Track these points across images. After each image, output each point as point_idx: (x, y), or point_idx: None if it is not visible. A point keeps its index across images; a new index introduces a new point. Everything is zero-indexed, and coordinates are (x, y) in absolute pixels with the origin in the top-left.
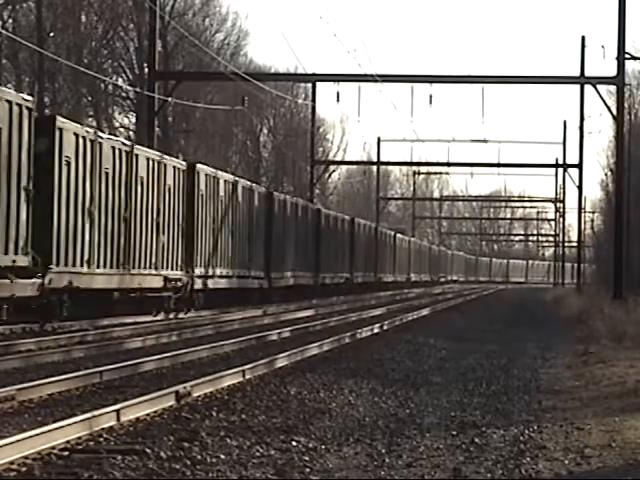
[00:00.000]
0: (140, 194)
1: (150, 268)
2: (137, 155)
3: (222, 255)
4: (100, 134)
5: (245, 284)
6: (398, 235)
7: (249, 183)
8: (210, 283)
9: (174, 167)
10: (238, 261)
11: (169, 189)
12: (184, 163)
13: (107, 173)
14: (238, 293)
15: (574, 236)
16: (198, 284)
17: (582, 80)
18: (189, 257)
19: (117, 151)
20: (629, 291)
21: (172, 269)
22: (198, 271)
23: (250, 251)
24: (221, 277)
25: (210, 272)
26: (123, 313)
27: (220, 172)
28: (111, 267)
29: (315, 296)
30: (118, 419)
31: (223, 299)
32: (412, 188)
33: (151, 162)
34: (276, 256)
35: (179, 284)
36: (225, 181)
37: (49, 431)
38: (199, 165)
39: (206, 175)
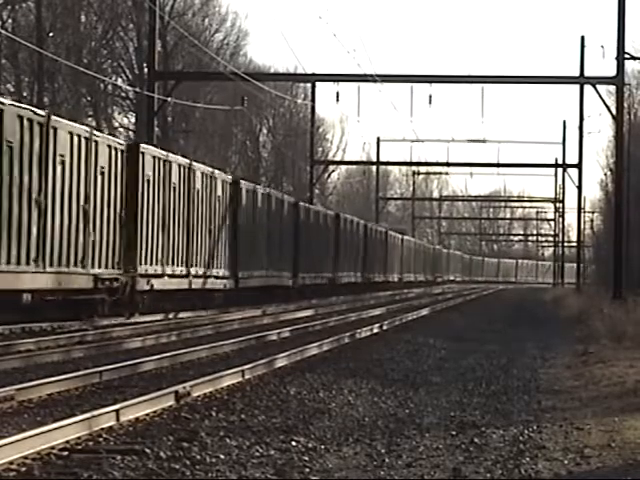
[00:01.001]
0: (60, 176)
1: (75, 265)
2: (55, 128)
3: (174, 251)
4: (0, 99)
5: (204, 284)
6: (390, 232)
7: (210, 169)
8: (157, 283)
9: (109, 146)
10: (195, 258)
11: (102, 172)
12: (123, 142)
13: (11, 148)
14: (197, 294)
15: (574, 236)
16: (142, 285)
17: (582, 80)
18: (130, 253)
19: (26, 122)
20: (629, 291)
21: (106, 267)
22: (142, 269)
23: (210, 247)
24: (173, 276)
25: (158, 270)
26: (38, 320)
27: (172, 155)
28: (18, 263)
29: (292, 298)
30: (118, 419)
31: (178, 302)
32: (412, 188)
33: (76, 138)
34: (244, 253)
35: (115, 285)
36: (179, 165)
37: (48, 431)
38: (144, 145)
39: (154, 157)
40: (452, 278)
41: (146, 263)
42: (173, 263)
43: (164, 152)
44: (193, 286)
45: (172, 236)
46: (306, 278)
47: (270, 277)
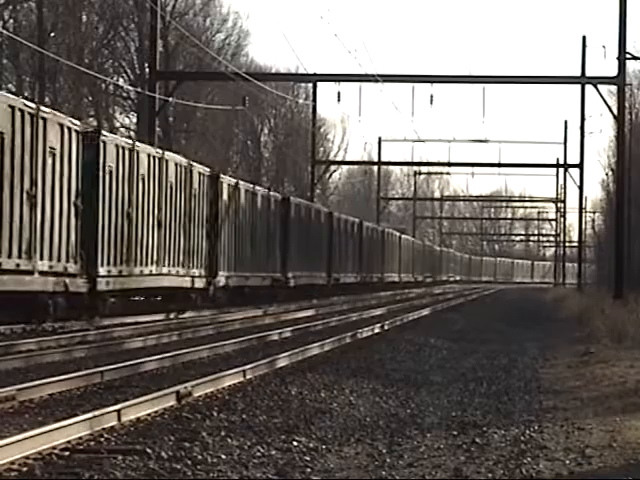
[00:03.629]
0: None
1: None
2: None
3: None
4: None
5: (27, 284)
6: (366, 224)
7: (62, 117)
8: None
9: None
10: (17, 245)
11: None
12: None
13: None
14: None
15: (575, 236)
16: None
17: (583, 80)
18: None
19: None
20: (630, 291)
21: None
22: None
23: (52, 227)
24: None
25: None
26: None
27: None
28: None
29: (196, 307)
30: (119, 419)
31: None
32: (413, 188)
33: None
34: (109, 241)
35: None
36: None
37: (50, 431)
38: None
39: None
40: (445, 278)
41: None
42: None
43: None
44: (10, 287)
45: None
46: (232, 278)
47: (168, 275)
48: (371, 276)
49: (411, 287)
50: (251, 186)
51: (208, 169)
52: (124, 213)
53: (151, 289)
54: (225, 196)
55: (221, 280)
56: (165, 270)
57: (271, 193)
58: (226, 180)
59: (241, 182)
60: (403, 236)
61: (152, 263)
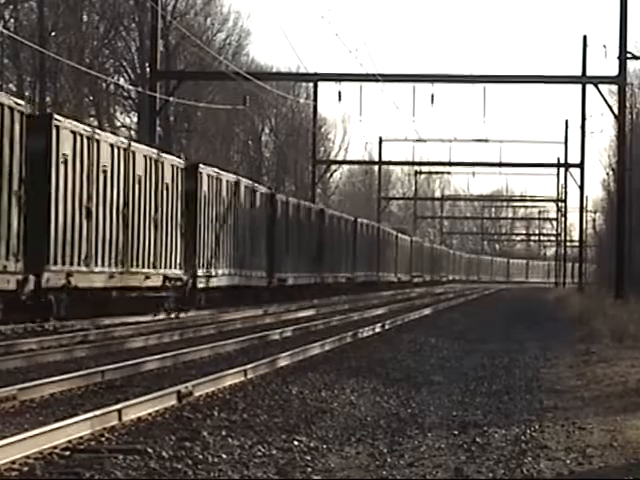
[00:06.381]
0: None
1: None
2: None
3: None
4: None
5: None
6: (329, 212)
7: None
8: None
9: None
10: None
11: None
12: None
13: None
14: None
15: (576, 236)
16: None
17: (584, 80)
18: None
19: None
20: (631, 291)
21: None
22: None
23: None
24: None
25: None
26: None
27: None
28: None
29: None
30: (120, 419)
31: None
32: (414, 188)
33: None
34: None
35: None
36: None
37: (51, 431)
38: None
39: None
40: (437, 278)
41: None
42: None
43: None
44: None
45: None
46: (81, 274)
47: None
48: (335, 276)
49: (394, 288)
50: (125, 141)
51: (23, 102)
52: None
53: None
54: (68, 150)
55: (54, 277)
56: None
57: (165, 156)
58: (70, 126)
59: (105, 132)
60: (383, 228)
61: None
